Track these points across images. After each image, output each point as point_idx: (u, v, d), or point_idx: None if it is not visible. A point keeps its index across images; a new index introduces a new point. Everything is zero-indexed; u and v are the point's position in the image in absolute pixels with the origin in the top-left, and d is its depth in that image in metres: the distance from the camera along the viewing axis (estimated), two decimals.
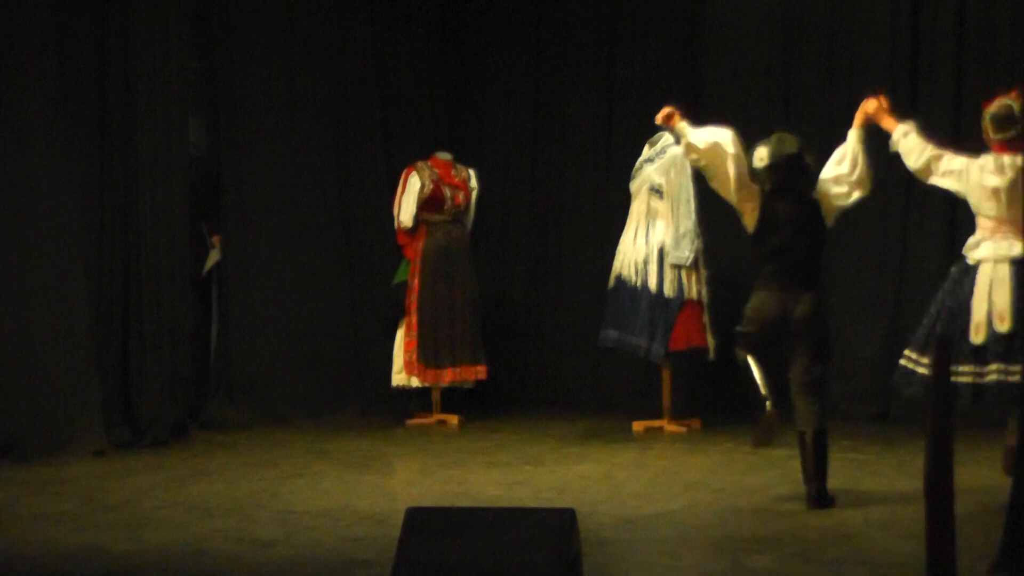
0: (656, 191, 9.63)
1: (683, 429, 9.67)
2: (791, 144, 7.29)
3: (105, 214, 9.19)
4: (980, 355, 6.81)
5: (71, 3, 9.00)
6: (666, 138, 9.74)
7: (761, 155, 7.29)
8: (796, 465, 8.27)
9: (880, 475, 7.95)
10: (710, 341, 9.68)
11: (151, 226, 9.34)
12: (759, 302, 7.14)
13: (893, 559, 5.84)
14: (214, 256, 10.39)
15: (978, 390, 6.79)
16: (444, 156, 10.35)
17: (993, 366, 6.79)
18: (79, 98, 9.03)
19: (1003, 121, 7.02)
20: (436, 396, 10.27)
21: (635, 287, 9.59)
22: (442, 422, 10.20)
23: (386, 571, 4.69)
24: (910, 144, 7.44)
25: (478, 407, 10.55)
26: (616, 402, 10.81)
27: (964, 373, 6.79)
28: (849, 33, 10.39)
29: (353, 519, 6.82)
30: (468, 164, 10.49)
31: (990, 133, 7.03)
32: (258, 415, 10.08)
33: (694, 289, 9.60)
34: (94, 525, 6.76)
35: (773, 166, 7.23)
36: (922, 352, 6.96)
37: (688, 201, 9.56)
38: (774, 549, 6.06)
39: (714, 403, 10.36)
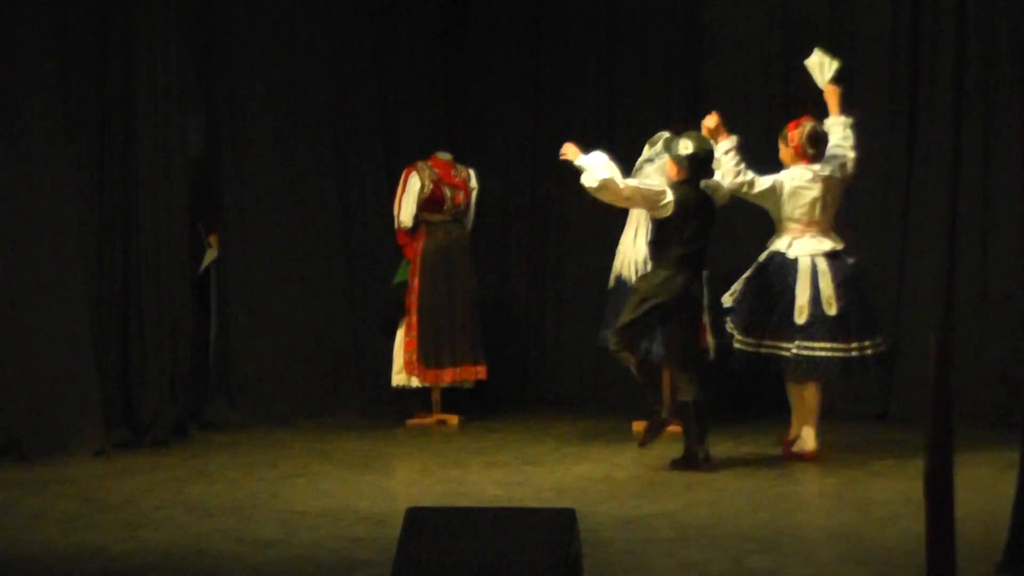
0: None
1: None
2: (707, 143, 8.24)
3: (105, 214, 9.19)
4: (806, 333, 8.17)
5: (71, 3, 9.00)
6: (666, 138, 9.73)
7: (687, 145, 8.17)
8: (796, 465, 8.29)
9: (880, 475, 7.95)
10: (710, 341, 9.67)
11: (151, 226, 9.34)
12: (665, 280, 8.09)
13: (893, 559, 5.84)
14: (211, 255, 10.39)
15: (810, 363, 8.18)
16: (444, 156, 10.35)
17: (823, 343, 8.16)
18: (79, 98, 9.03)
19: (817, 139, 8.46)
20: (436, 396, 10.27)
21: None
22: (442, 422, 10.20)
23: (386, 571, 4.70)
24: (727, 164, 8.44)
25: (478, 407, 10.55)
26: (616, 402, 10.81)
27: (787, 348, 8.24)
28: (849, 33, 10.39)
29: (353, 519, 6.82)
30: (468, 164, 10.49)
31: (807, 149, 8.42)
32: (258, 415, 10.09)
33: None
34: (94, 525, 6.76)
35: (694, 157, 8.14)
36: (745, 332, 8.35)
37: None
38: (774, 549, 6.06)
39: (714, 403, 10.35)
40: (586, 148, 11.30)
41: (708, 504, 7.19)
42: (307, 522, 6.77)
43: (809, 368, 8.24)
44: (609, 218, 10.59)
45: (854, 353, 8.28)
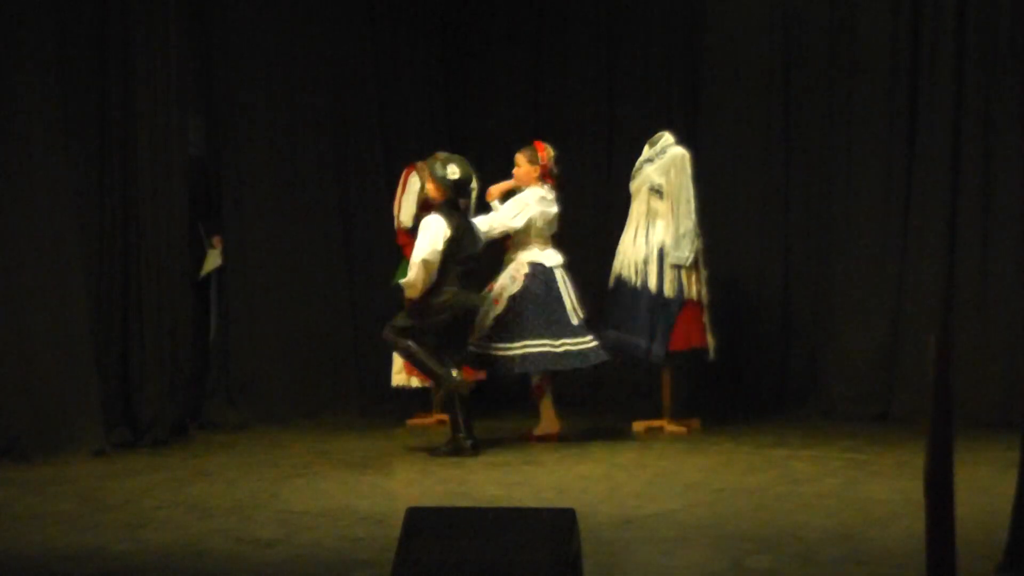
0: (656, 191, 9.63)
1: (683, 429, 9.67)
2: (470, 168, 8.97)
3: (105, 214, 9.19)
4: (579, 330, 9.13)
5: (71, 3, 9.00)
6: (666, 138, 9.74)
7: (453, 170, 8.85)
8: (796, 465, 8.30)
9: (880, 475, 7.95)
10: (710, 341, 9.68)
11: (151, 226, 9.33)
12: (454, 296, 8.75)
13: (893, 559, 5.84)
14: (214, 257, 10.38)
15: (578, 355, 9.11)
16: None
17: (583, 337, 9.13)
18: (79, 98, 9.03)
19: (557, 162, 9.38)
20: (436, 396, 10.27)
21: (635, 287, 9.58)
22: (442, 422, 10.18)
23: (386, 571, 4.69)
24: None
25: (478, 407, 10.53)
26: (616, 402, 10.81)
27: (565, 344, 9.06)
28: (849, 33, 10.39)
29: (353, 519, 6.82)
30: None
31: (552, 170, 9.34)
32: (258, 415, 10.09)
33: (694, 289, 9.60)
34: (94, 525, 6.76)
35: (461, 182, 8.85)
36: (539, 337, 9.04)
37: (688, 201, 9.57)
38: (774, 549, 6.06)
39: (714, 403, 10.36)
40: (586, 148, 11.37)
41: (708, 504, 7.19)
42: (307, 522, 6.77)
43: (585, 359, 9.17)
44: (609, 218, 10.60)
45: (589, 346, 9.17)
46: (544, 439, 9.32)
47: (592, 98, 11.34)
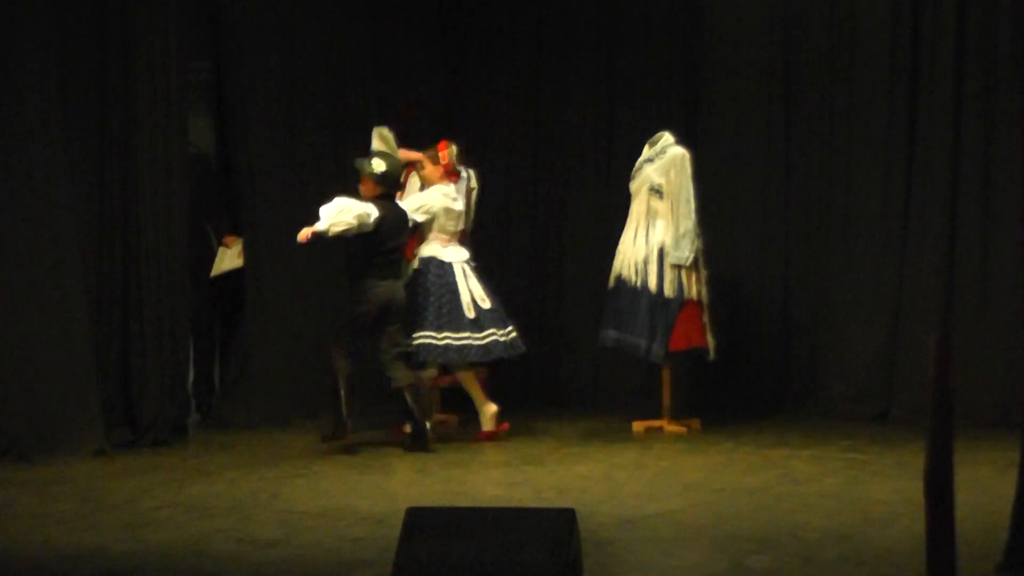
0: (656, 191, 9.63)
1: (683, 429, 9.67)
2: (399, 163, 9.20)
3: (105, 214, 9.18)
4: (477, 325, 9.29)
5: (71, 3, 9.00)
6: (666, 138, 9.74)
7: (380, 164, 9.05)
8: (796, 465, 8.30)
9: (880, 475, 7.95)
10: (710, 341, 9.68)
11: (151, 226, 9.33)
12: (376, 287, 8.92)
13: (893, 559, 5.84)
14: (230, 258, 10.36)
15: (482, 348, 9.30)
16: None
17: (489, 331, 9.30)
18: (79, 98, 9.03)
19: (460, 158, 9.54)
20: (436, 396, 10.27)
21: (635, 287, 9.58)
22: (442, 422, 10.19)
23: (386, 571, 4.69)
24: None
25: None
26: (616, 402, 10.81)
27: (467, 337, 9.27)
28: (849, 33, 10.39)
29: (353, 519, 6.82)
30: (468, 164, 10.48)
31: (454, 165, 9.50)
32: (258, 415, 10.08)
33: (694, 289, 9.60)
34: (94, 525, 6.75)
35: (386, 175, 9.03)
36: (438, 329, 9.24)
37: (688, 201, 9.57)
38: (774, 549, 6.06)
39: (714, 403, 10.36)
40: (586, 148, 11.37)
41: (708, 504, 7.19)
42: (307, 522, 6.77)
43: (481, 354, 9.37)
44: (609, 218, 10.59)
45: (493, 339, 9.34)
46: (497, 433, 9.45)
47: (592, 98, 11.34)
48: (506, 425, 9.50)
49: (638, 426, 9.78)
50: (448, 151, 9.55)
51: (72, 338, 8.78)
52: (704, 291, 9.66)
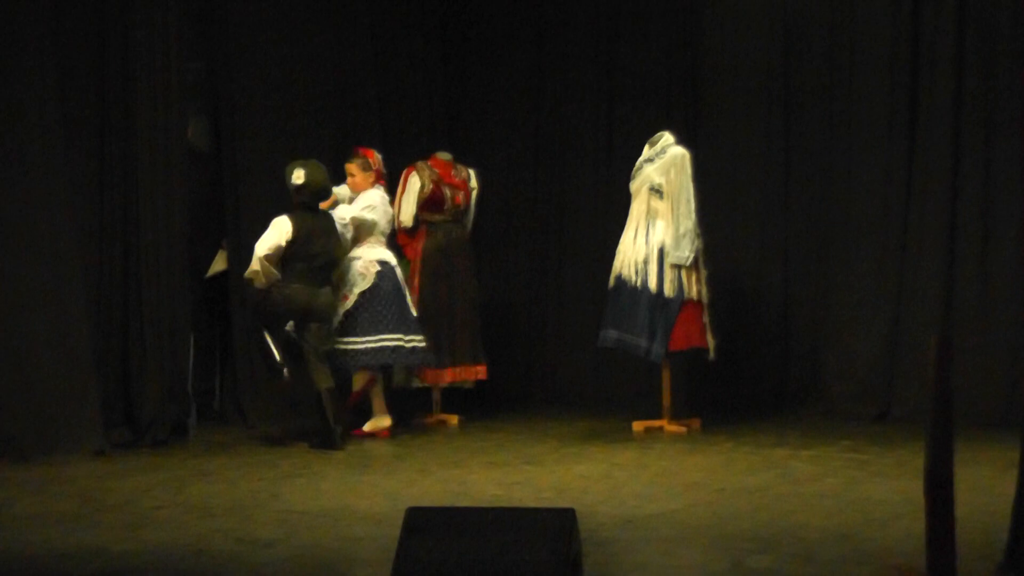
0: (656, 191, 9.63)
1: (683, 429, 9.67)
2: (321, 172, 9.24)
3: (105, 214, 9.19)
4: (414, 327, 9.56)
5: (71, 3, 9.00)
6: (666, 138, 9.74)
7: (299, 175, 9.18)
8: (796, 465, 8.30)
9: (880, 475, 7.95)
10: (710, 341, 9.68)
11: (151, 226, 9.34)
12: (292, 292, 9.06)
13: (893, 559, 5.84)
14: (221, 258, 10.37)
15: (406, 351, 9.49)
16: (444, 156, 10.35)
17: (417, 336, 9.53)
18: (79, 98, 9.03)
19: (373, 164, 9.64)
20: (436, 396, 10.28)
21: (635, 287, 9.58)
22: (442, 422, 10.20)
23: (386, 571, 4.69)
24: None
25: (478, 407, 10.56)
26: (616, 402, 10.81)
27: (400, 339, 9.46)
28: (849, 33, 10.40)
29: (353, 519, 6.82)
30: (468, 164, 10.49)
31: (383, 172, 9.68)
32: (259, 415, 10.08)
33: (694, 289, 9.60)
34: (94, 525, 6.75)
35: (303, 187, 9.16)
36: (369, 335, 9.37)
37: (688, 201, 9.57)
38: (774, 549, 6.06)
39: (714, 403, 10.37)
40: (587, 147, 11.37)
41: (708, 504, 7.19)
42: (307, 522, 6.77)
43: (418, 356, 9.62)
44: (609, 218, 10.60)
45: (407, 344, 9.53)
46: (375, 434, 9.55)
47: (592, 98, 11.35)
48: (386, 433, 9.59)
49: (638, 426, 9.78)
50: (375, 156, 9.70)
51: (72, 338, 8.78)
52: (704, 291, 9.66)
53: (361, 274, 9.48)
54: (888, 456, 8.53)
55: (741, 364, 10.55)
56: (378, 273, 9.49)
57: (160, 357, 9.35)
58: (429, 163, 10.25)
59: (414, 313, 9.62)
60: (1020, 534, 5.25)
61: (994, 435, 8.69)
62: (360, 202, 9.58)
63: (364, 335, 9.38)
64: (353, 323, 9.41)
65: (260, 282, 9.09)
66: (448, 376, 10.22)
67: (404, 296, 9.58)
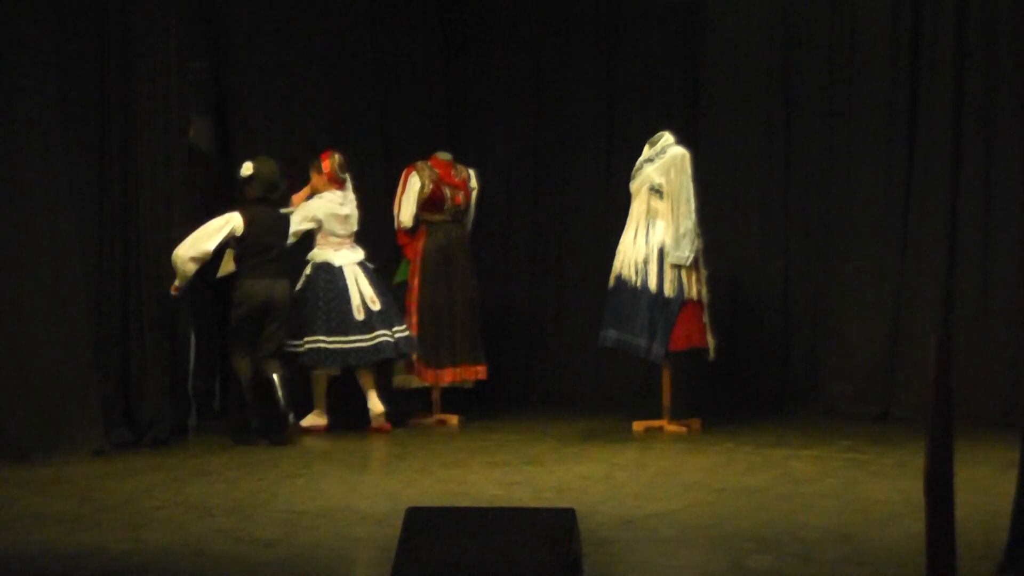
0: (656, 191, 9.63)
1: (683, 429, 9.67)
2: (271, 165, 9.41)
3: (105, 214, 9.18)
4: (367, 326, 9.58)
5: (71, 3, 9.00)
6: (666, 138, 9.74)
7: (247, 167, 9.39)
8: (796, 465, 8.30)
9: (880, 475, 7.95)
10: (710, 341, 9.68)
11: (151, 226, 9.34)
12: (250, 287, 9.29)
13: (893, 559, 5.84)
14: (229, 259, 10.37)
15: (371, 350, 9.58)
16: (444, 156, 10.35)
17: (378, 331, 9.58)
18: (79, 98, 9.03)
19: (343, 168, 9.81)
20: (436, 396, 10.28)
21: (635, 287, 9.58)
22: (442, 422, 10.20)
23: (386, 571, 4.69)
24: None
25: (478, 407, 10.55)
26: (616, 402, 10.81)
27: (356, 340, 9.56)
28: (849, 33, 10.39)
29: (353, 519, 6.82)
30: (468, 164, 10.49)
31: (338, 175, 9.76)
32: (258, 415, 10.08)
33: (694, 289, 9.60)
34: (94, 525, 6.75)
35: (251, 178, 9.35)
36: (327, 333, 9.55)
37: (688, 201, 9.57)
38: (774, 549, 6.06)
39: (714, 403, 10.36)
40: (587, 147, 11.37)
41: (708, 504, 7.19)
42: (307, 522, 6.77)
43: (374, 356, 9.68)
44: (609, 218, 10.60)
45: (383, 340, 9.64)
46: (312, 431, 9.72)
47: (592, 98, 11.34)
48: (322, 431, 9.75)
49: (638, 426, 9.78)
50: (331, 160, 9.78)
51: (72, 338, 8.78)
52: (704, 291, 9.66)
53: (303, 275, 9.77)
54: (888, 456, 8.53)
55: (741, 364, 10.55)
56: (307, 276, 9.73)
57: (160, 357, 9.34)
58: (429, 163, 10.25)
59: (359, 313, 9.64)
60: (1020, 534, 5.25)
61: (994, 435, 8.69)
62: (297, 214, 9.73)
63: (298, 337, 9.59)
64: (293, 325, 9.61)
65: (184, 265, 9.28)
66: (448, 376, 10.22)
67: (345, 297, 9.64)
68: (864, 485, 7.66)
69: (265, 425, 9.23)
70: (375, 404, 9.74)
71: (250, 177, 9.38)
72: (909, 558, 5.58)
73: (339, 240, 9.79)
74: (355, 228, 9.87)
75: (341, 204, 9.80)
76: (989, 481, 7.29)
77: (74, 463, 8.39)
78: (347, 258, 9.77)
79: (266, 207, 9.45)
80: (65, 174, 8.84)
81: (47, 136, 8.75)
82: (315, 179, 9.84)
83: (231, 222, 9.33)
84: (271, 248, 9.37)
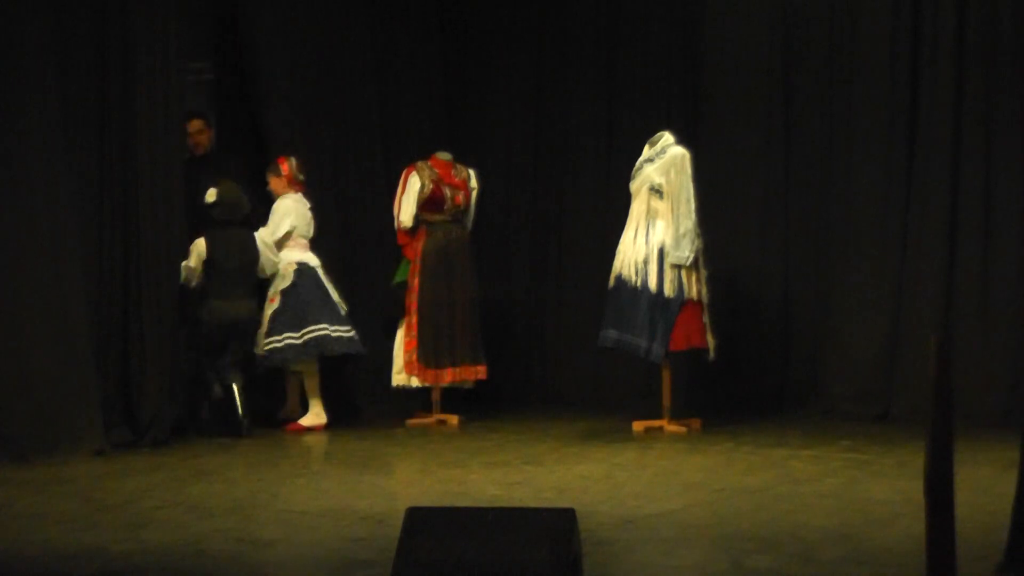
0: (656, 191, 9.63)
1: (683, 429, 9.67)
2: (235, 190, 9.72)
3: (105, 214, 9.18)
4: (348, 320, 9.89)
5: (71, 3, 9.00)
6: (666, 138, 9.74)
7: (211, 193, 9.67)
8: (796, 465, 8.30)
9: (880, 475, 7.95)
10: (710, 341, 9.68)
11: (151, 226, 9.33)
12: (217, 307, 9.55)
13: (893, 559, 5.84)
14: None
15: (352, 341, 9.87)
16: (444, 156, 10.35)
17: (344, 327, 9.85)
18: (79, 98, 9.03)
19: (301, 170, 10.03)
20: (436, 396, 10.28)
21: (635, 287, 9.58)
22: (442, 422, 10.20)
23: (386, 571, 4.69)
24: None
25: (478, 407, 10.55)
26: (616, 402, 10.81)
27: (342, 331, 9.83)
28: (849, 33, 10.39)
29: (353, 519, 6.82)
30: (468, 164, 10.49)
31: (297, 177, 10.00)
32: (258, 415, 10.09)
33: (694, 289, 9.60)
34: (94, 525, 6.76)
35: (215, 204, 9.65)
36: (297, 329, 9.75)
37: (688, 201, 9.56)
38: (774, 549, 6.06)
39: (714, 403, 10.36)
40: (587, 147, 11.37)
41: (708, 504, 7.19)
42: (307, 522, 6.77)
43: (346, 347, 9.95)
44: (609, 218, 10.60)
45: (351, 334, 9.92)
46: (312, 430, 9.82)
47: (592, 98, 11.34)
48: (321, 429, 9.86)
49: (638, 426, 9.78)
50: (288, 163, 10.01)
51: (72, 338, 8.78)
52: (704, 291, 9.66)
53: (281, 275, 9.88)
54: (888, 456, 8.53)
55: (741, 364, 10.55)
56: (295, 272, 9.87)
57: (160, 357, 9.34)
58: (429, 163, 10.25)
59: (343, 309, 9.94)
60: (1020, 534, 5.25)
61: (994, 435, 8.69)
62: (275, 215, 9.94)
63: (292, 330, 9.74)
64: (282, 321, 9.76)
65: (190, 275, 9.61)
66: (448, 376, 10.22)
67: (327, 293, 9.93)
68: (864, 485, 7.66)
69: (222, 427, 9.46)
70: (320, 405, 9.91)
71: (214, 203, 9.65)
72: (909, 558, 5.58)
73: (305, 242, 10.04)
74: (313, 232, 10.12)
75: (305, 205, 10.07)
76: (989, 481, 7.29)
77: (74, 463, 8.39)
78: (315, 261, 10.03)
79: (234, 229, 9.66)
80: (65, 174, 8.84)
81: (47, 136, 8.75)
82: (273, 182, 10.06)
83: (195, 248, 9.57)
84: (235, 270, 9.62)
